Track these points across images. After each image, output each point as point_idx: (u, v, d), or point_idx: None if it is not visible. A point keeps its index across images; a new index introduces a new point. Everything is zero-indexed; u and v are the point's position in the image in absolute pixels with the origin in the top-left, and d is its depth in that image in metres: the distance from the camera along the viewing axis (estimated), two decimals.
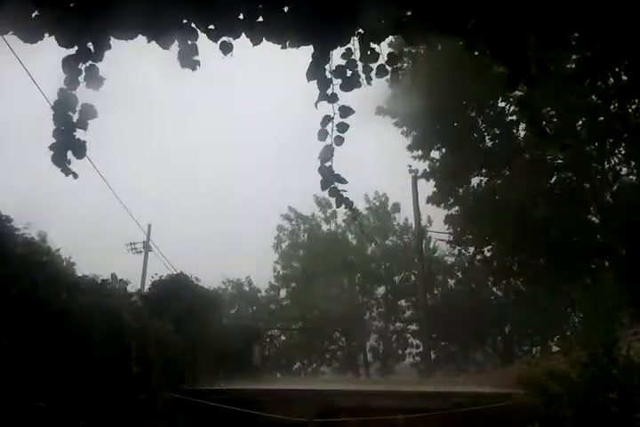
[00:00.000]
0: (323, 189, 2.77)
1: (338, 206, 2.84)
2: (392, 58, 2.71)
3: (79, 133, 2.49)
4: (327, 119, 2.70)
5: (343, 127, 2.72)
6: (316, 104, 2.65)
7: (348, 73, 2.63)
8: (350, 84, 2.62)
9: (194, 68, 2.58)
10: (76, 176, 2.50)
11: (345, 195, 2.84)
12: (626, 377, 6.66)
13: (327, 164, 2.76)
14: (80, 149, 2.49)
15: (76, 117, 2.47)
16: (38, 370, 5.92)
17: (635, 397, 6.44)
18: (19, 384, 5.64)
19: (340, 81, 2.64)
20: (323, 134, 2.73)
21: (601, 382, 6.72)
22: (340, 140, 2.74)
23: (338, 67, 2.61)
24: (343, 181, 2.80)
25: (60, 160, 2.47)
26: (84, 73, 2.43)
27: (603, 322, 6.94)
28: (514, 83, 2.61)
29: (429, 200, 19.73)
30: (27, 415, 5.67)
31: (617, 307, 7.07)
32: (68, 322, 6.42)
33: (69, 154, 2.48)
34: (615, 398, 6.51)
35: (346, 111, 2.69)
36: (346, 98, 2.67)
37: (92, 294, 7.27)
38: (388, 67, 2.70)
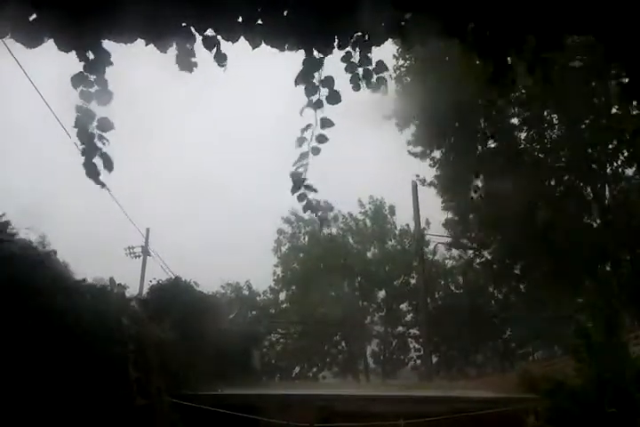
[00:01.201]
0: (292, 192, 2.74)
1: (304, 211, 2.81)
2: (380, 65, 2.68)
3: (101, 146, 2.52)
4: (307, 127, 2.66)
5: (322, 139, 2.68)
6: (301, 112, 2.63)
7: (336, 86, 2.61)
8: (336, 97, 2.60)
9: (190, 70, 2.58)
10: (107, 188, 2.57)
11: (315, 201, 2.79)
12: (623, 378, 6.66)
13: (300, 170, 2.73)
14: (109, 162, 2.53)
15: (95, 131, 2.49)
16: (37, 374, 5.88)
17: (634, 396, 6.44)
18: (17, 389, 5.61)
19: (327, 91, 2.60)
20: (301, 141, 2.69)
21: (599, 384, 6.71)
22: (316, 151, 2.69)
23: (327, 77, 2.58)
24: (312, 189, 2.76)
25: (93, 175, 2.52)
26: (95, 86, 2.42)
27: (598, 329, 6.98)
28: (495, 78, 2.66)
29: (445, 208, 19.52)
30: (26, 419, 5.63)
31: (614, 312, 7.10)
32: (66, 327, 6.38)
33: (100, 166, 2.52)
34: (613, 400, 6.50)
35: (326, 123, 2.65)
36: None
37: (91, 299, 7.23)
38: (374, 74, 2.68)
